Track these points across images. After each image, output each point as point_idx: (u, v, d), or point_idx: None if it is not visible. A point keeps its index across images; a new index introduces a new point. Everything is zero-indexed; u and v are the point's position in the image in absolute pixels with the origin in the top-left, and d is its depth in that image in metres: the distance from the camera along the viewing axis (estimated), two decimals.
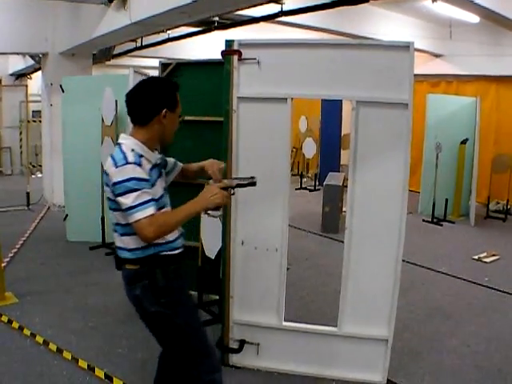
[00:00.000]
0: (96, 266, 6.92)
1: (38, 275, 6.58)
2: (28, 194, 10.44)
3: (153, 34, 9.26)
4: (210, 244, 5.07)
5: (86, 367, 4.28)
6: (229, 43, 3.92)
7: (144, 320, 3.01)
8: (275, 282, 4.12)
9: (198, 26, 9.61)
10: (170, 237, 2.86)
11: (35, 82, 14.76)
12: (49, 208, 10.40)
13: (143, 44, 10.99)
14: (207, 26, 9.41)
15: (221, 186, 2.85)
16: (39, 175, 13.46)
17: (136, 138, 2.81)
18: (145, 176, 2.69)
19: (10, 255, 7.14)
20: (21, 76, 16.15)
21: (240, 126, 3.95)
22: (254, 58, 3.86)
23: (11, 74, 16.15)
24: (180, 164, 3.36)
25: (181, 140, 5.57)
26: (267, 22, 8.75)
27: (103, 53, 11.17)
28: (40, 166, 13.34)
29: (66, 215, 8.09)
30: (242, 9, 7.45)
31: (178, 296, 2.94)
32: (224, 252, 4.19)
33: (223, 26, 9.18)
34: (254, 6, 7.02)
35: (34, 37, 10.30)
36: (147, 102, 2.82)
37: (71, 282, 6.35)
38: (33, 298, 5.81)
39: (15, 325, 5.08)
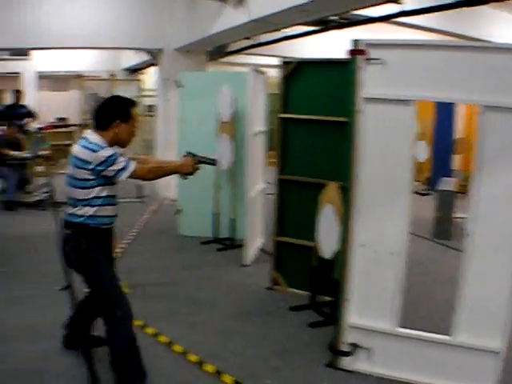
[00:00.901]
0: (207, 261, 7.05)
1: (150, 267, 6.79)
2: (140, 187, 10.84)
3: (269, 31, 9.36)
4: (326, 244, 5.07)
5: (196, 361, 4.33)
6: (355, 43, 3.93)
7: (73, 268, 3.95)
8: (392, 287, 4.08)
9: (314, 25, 9.61)
10: (108, 212, 3.82)
11: (148, 77, 15.19)
12: (161, 201, 10.72)
13: (258, 42, 11.09)
14: (324, 25, 9.41)
15: (194, 161, 3.93)
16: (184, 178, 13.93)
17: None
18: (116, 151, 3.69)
19: (123, 246, 7.40)
20: (134, 71, 16.67)
21: (364, 127, 3.95)
22: (380, 59, 3.85)
23: (124, 69, 16.69)
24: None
25: (301, 139, 5.68)
26: (383, 23, 8.69)
27: (218, 50, 11.37)
28: None
29: (179, 209, 8.29)
30: (360, 8, 7.43)
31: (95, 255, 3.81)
32: (343, 253, 4.21)
33: (340, 26, 9.15)
34: (374, 5, 6.98)
35: (150, 33, 10.68)
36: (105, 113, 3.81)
37: (182, 275, 6.49)
38: (144, 290, 5.95)
39: None
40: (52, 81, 18.39)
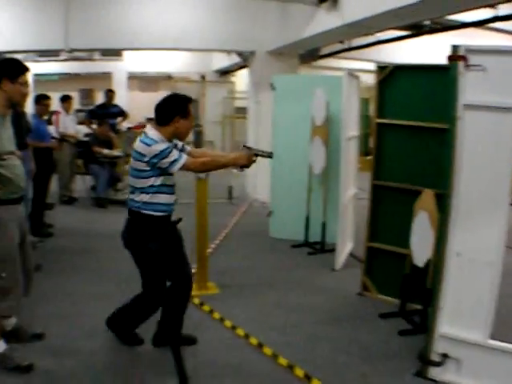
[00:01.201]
0: (298, 265, 7.07)
1: (240, 268, 6.88)
2: (230, 187, 11.03)
3: (361, 36, 9.34)
4: (419, 252, 5.02)
5: (286, 365, 4.34)
6: (455, 48, 3.90)
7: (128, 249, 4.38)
8: (486, 297, 4.01)
9: (406, 30, 9.52)
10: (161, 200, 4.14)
11: (239, 80, 15.40)
12: (250, 203, 10.86)
13: (351, 46, 11.09)
14: (416, 30, 9.31)
15: (250, 154, 4.18)
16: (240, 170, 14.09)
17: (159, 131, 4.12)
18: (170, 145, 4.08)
19: (213, 246, 7.52)
20: (225, 73, 16.91)
21: (463, 134, 3.92)
22: (480, 65, 3.82)
23: (215, 71, 16.95)
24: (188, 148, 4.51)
25: (397, 144, 5.65)
26: (477, 28, 8.53)
27: (310, 53, 11.40)
28: None
29: (271, 211, 8.38)
30: (454, 13, 7.33)
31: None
32: (438, 262, 4.18)
33: (432, 31, 9.04)
34: (468, 10, 6.87)
35: (242, 35, 10.76)
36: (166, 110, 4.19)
37: (272, 277, 6.55)
38: (234, 290, 6.04)
39: (216, 315, 5.28)
40: (142, 81, 18.88)
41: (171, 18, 10.35)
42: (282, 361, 4.40)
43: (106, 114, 11.57)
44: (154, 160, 3.95)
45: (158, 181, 4.08)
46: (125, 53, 16.08)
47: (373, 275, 5.98)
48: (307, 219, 7.76)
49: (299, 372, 4.24)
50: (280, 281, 6.44)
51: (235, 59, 13.20)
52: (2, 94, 3.86)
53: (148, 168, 4.01)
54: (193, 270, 6.24)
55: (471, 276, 4.06)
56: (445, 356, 4.19)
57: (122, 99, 13.87)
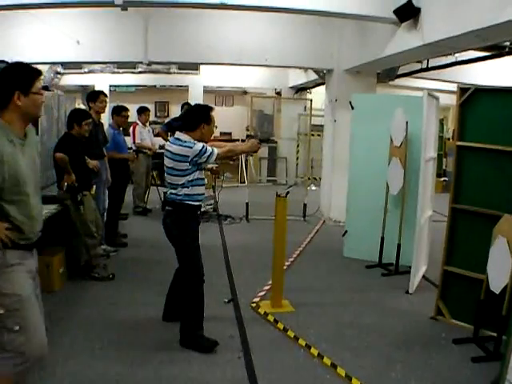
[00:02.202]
0: (372, 286, 7.10)
1: (314, 287, 6.95)
2: (305, 205, 11.13)
3: (440, 56, 9.32)
4: (497, 278, 4.97)
5: None
6: None
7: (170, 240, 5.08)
8: None
9: (486, 51, 9.44)
10: (198, 191, 4.96)
11: (314, 97, 15.48)
12: (324, 221, 10.93)
13: (429, 66, 11.08)
14: (497, 51, 9.23)
15: (257, 141, 5.26)
16: (313, 188, 14.16)
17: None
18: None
19: (287, 263, 7.59)
20: (300, 90, 17.03)
21: None
22: None
23: (291, 87, 17.09)
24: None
25: (477, 167, 5.63)
26: None
27: (387, 72, 11.41)
28: (315, 178, 14.03)
29: (346, 231, 8.43)
30: None
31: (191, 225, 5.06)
32: None
33: None
34: None
35: (319, 53, 10.92)
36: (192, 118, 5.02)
37: (347, 298, 6.59)
38: (308, 309, 6.11)
39: (291, 334, 5.37)
40: (218, 95, 19.20)
41: (248, 33, 10.59)
42: (356, 382, 4.45)
43: None
44: (196, 158, 4.76)
45: (196, 175, 4.86)
46: (201, 67, 16.40)
47: (447, 299, 5.97)
48: (382, 240, 7.79)
49: None
50: (354, 301, 6.48)
51: (312, 76, 13.28)
52: (15, 111, 3.23)
53: (190, 166, 4.79)
54: (267, 287, 6.44)
55: None
56: None
57: None
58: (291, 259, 8.00)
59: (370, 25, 8.88)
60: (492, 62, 10.40)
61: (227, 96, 19.51)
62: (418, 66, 11.23)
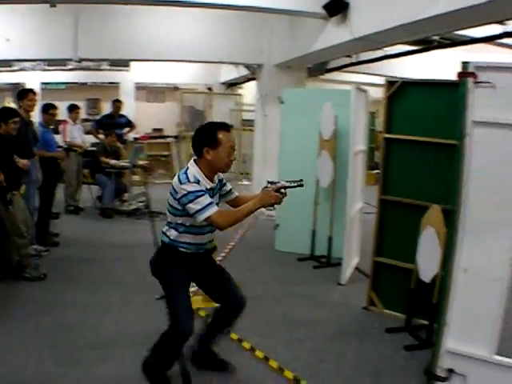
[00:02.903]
0: (304, 278, 7.08)
1: (246, 281, 6.81)
2: None
3: (370, 50, 9.40)
4: (426, 268, 5.03)
5: (292, 378, 4.36)
6: (464, 65, 3.93)
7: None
8: (492, 313, 4.01)
9: (415, 45, 9.56)
10: (190, 240, 3.95)
11: (246, 92, 15.45)
12: (256, 216, 10.79)
13: (359, 60, 11.15)
14: (425, 45, 9.36)
15: (274, 189, 3.78)
16: (245, 182, 14.11)
17: (198, 166, 3.85)
18: (203, 189, 3.74)
19: (219, 259, 7.47)
20: (232, 85, 16.98)
21: (472, 150, 3.94)
22: (490, 82, 3.85)
23: (222, 83, 17.03)
24: (235, 194, 4.28)
25: (405, 159, 5.68)
26: (485, 44, 8.58)
27: (318, 67, 11.46)
28: (247, 173, 13.97)
29: (277, 225, 8.40)
30: (463, 28, 7.38)
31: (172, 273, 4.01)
32: (445, 277, 4.20)
33: (441, 46, 9.08)
34: (477, 26, 6.92)
35: (250, 48, 10.92)
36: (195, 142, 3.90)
37: (279, 291, 6.54)
38: None
39: None
40: (149, 92, 18.95)
41: (180, 30, 10.49)
42: (288, 374, 4.42)
43: (113, 124, 11.63)
44: (182, 200, 3.69)
45: (188, 222, 3.85)
46: (132, 63, 16.17)
47: (379, 290, 6.00)
48: (313, 233, 7.78)
49: None
50: (286, 294, 6.45)
51: (243, 71, 13.24)
52: None
53: (179, 206, 3.78)
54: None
55: (478, 292, 4.07)
56: (450, 371, 4.20)
57: (129, 110, 13.94)
58: (223, 254, 7.90)
59: (300, 20, 8.88)
60: (421, 56, 10.53)
61: (159, 92, 19.24)
62: (348, 60, 11.27)
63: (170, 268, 3.99)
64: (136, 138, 14.42)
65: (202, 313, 5.63)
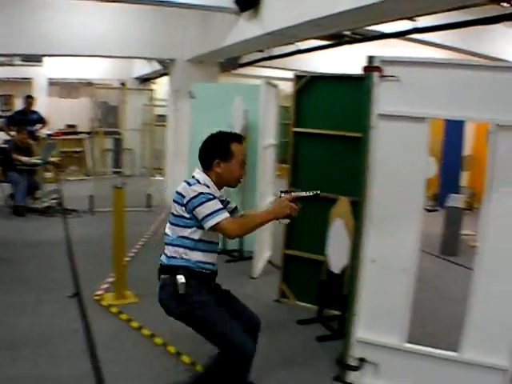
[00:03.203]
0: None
1: (155, 278, 6.79)
2: (149, 195, 10.92)
3: (282, 45, 9.43)
4: (335, 259, 5.10)
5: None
6: (370, 59, 3.96)
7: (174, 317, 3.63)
8: (401, 303, 4.09)
9: (327, 39, 9.66)
10: (202, 258, 3.50)
11: (159, 87, 15.29)
12: (169, 211, 10.67)
13: (271, 55, 11.17)
14: (337, 40, 9.47)
15: (289, 199, 3.51)
16: (159, 178, 13.96)
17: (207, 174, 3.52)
18: (214, 193, 3.39)
19: (131, 255, 7.39)
20: (145, 80, 16.77)
21: (377, 143, 3.98)
22: (395, 76, 3.89)
23: (136, 78, 16.79)
24: (240, 211, 3.87)
25: (313, 153, 5.71)
26: (396, 39, 8.75)
27: (230, 62, 11.43)
28: (160, 168, 13.80)
29: None
30: (374, 24, 7.50)
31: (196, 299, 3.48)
32: (353, 268, 4.23)
33: (353, 41, 9.22)
34: (387, 21, 7.05)
35: (163, 43, 10.81)
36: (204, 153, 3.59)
37: None
38: (152, 300, 5.77)
39: (134, 324, 5.23)
40: (62, 88, 18.48)
41: (92, 24, 10.21)
42: (200, 368, 4.35)
43: (25, 120, 11.40)
44: (193, 202, 3.30)
45: (197, 235, 3.44)
46: (45, 59, 15.71)
47: (290, 282, 6.02)
48: None
49: None
50: None
51: (156, 66, 13.08)
52: None
53: (187, 214, 3.38)
54: (110, 279, 6.18)
55: (386, 282, 4.14)
56: (362, 360, 4.27)
57: (42, 105, 13.60)
58: (135, 250, 7.77)
59: (213, 15, 8.81)
60: (333, 51, 10.68)
61: (72, 88, 18.75)
62: (260, 55, 11.29)
63: (193, 295, 3.46)
64: (49, 135, 14.05)
65: (114, 309, 5.54)
